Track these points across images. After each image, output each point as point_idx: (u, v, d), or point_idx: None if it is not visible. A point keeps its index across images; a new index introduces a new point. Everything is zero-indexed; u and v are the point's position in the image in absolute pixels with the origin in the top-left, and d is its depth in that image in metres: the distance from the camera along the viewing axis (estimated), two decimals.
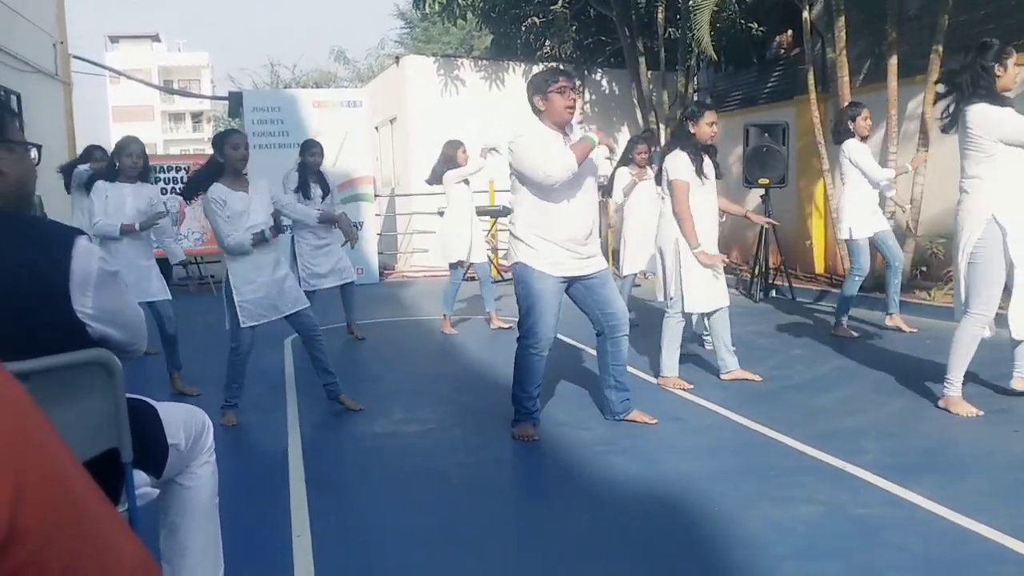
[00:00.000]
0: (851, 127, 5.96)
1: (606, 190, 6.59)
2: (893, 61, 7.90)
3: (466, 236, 6.79)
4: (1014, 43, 4.25)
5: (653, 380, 4.93)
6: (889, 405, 4.34)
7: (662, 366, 4.82)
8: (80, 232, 1.59)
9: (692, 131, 4.64)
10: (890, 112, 7.94)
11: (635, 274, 6.65)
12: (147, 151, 5.01)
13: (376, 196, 11.59)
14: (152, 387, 4.90)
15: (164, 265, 5.49)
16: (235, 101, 11.62)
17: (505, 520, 3.11)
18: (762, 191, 8.49)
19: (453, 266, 6.88)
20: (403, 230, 12.59)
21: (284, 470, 3.62)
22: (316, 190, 6.29)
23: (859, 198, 5.96)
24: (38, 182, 1.72)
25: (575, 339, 6.02)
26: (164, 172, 10.58)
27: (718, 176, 4.76)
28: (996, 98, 3.88)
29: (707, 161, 4.66)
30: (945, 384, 4.11)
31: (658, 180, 5.15)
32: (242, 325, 4.19)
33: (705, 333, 5.55)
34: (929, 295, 7.21)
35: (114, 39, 55.95)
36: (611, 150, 4.30)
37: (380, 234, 11.87)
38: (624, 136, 11.48)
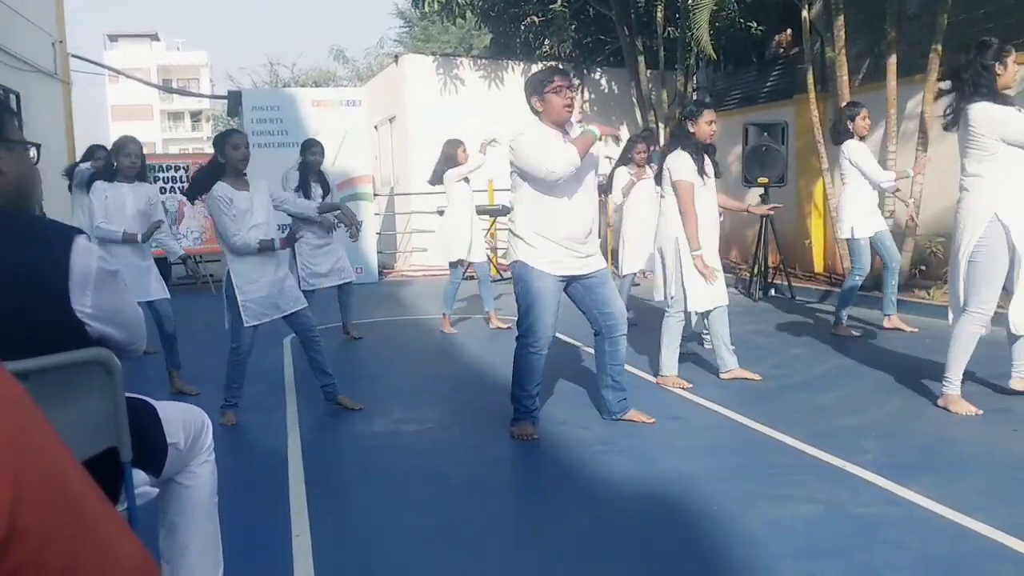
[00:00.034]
0: (850, 127, 5.95)
1: (605, 189, 6.60)
2: (892, 60, 7.90)
3: (466, 235, 6.79)
4: (1013, 42, 4.25)
5: (652, 379, 4.94)
6: (888, 404, 4.35)
7: (661, 365, 4.82)
8: (79, 231, 1.58)
9: (691, 130, 4.64)
10: (889, 111, 7.94)
11: (634, 273, 6.66)
12: (146, 150, 5.03)
13: (375, 195, 11.60)
14: (151, 386, 4.91)
15: (163, 264, 5.49)
16: (234, 100, 11.61)
17: (504, 519, 3.11)
18: (761, 190, 8.50)
19: (453, 265, 6.88)
20: (402, 229, 12.59)
21: (284, 469, 3.62)
22: (316, 189, 6.29)
23: (860, 198, 5.96)
24: None
25: (574, 338, 6.02)
26: (163, 171, 10.59)
27: (717, 175, 4.76)
28: (997, 97, 3.88)
29: (707, 160, 4.66)
30: (944, 383, 4.11)
31: (657, 180, 5.15)
32: (245, 324, 4.19)
33: (704, 332, 5.55)
34: (928, 294, 7.22)
35: (113, 38, 55.93)
36: (617, 139, 4.28)
37: (379, 233, 11.87)
38: (623, 135, 11.47)
